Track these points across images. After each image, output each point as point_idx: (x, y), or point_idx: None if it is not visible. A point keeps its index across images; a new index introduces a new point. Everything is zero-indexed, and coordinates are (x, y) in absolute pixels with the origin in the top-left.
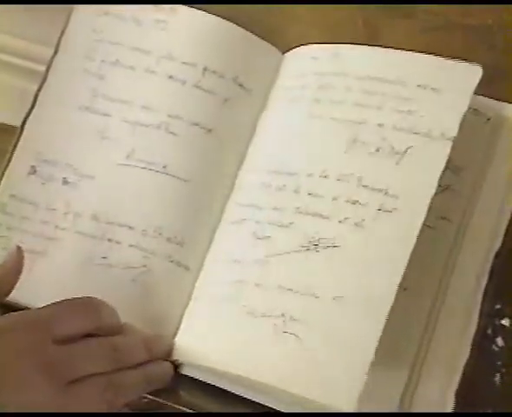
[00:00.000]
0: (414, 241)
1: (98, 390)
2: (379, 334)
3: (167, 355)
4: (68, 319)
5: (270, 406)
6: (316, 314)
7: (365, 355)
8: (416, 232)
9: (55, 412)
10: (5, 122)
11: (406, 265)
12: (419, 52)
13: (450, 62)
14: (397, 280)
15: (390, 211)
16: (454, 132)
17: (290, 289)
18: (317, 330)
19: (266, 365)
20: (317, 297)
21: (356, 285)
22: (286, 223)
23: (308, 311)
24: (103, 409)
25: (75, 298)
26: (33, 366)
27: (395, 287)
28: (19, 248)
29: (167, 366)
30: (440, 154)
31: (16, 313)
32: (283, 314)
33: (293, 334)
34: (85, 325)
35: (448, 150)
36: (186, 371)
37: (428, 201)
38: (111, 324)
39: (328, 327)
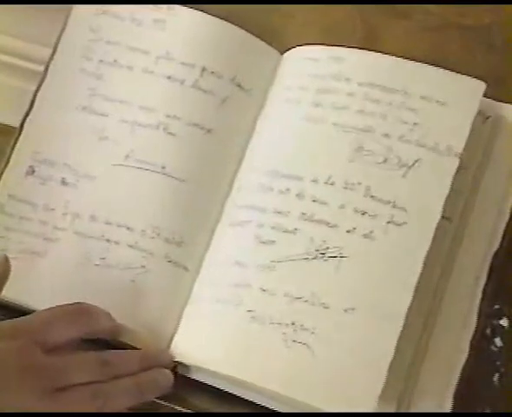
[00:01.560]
0: (425, 254)
1: (87, 398)
2: (393, 347)
3: (168, 368)
4: (60, 326)
5: (269, 406)
6: (327, 324)
7: (381, 366)
8: (427, 246)
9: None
10: (4, 123)
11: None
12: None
13: (453, 74)
14: (410, 294)
15: (400, 225)
16: (460, 148)
17: (298, 298)
18: (329, 340)
19: (274, 372)
20: (326, 308)
21: (367, 297)
22: (291, 229)
23: (319, 321)
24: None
25: (66, 304)
26: (18, 370)
27: (408, 301)
28: (6, 258)
29: (165, 374)
30: (447, 170)
31: (6, 321)
32: (293, 323)
33: (304, 343)
34: (77, 332)
35: (455, 166)
36: (183, 371)
37: (437, 217)
38: (105, 328)
39: (341, 338)
